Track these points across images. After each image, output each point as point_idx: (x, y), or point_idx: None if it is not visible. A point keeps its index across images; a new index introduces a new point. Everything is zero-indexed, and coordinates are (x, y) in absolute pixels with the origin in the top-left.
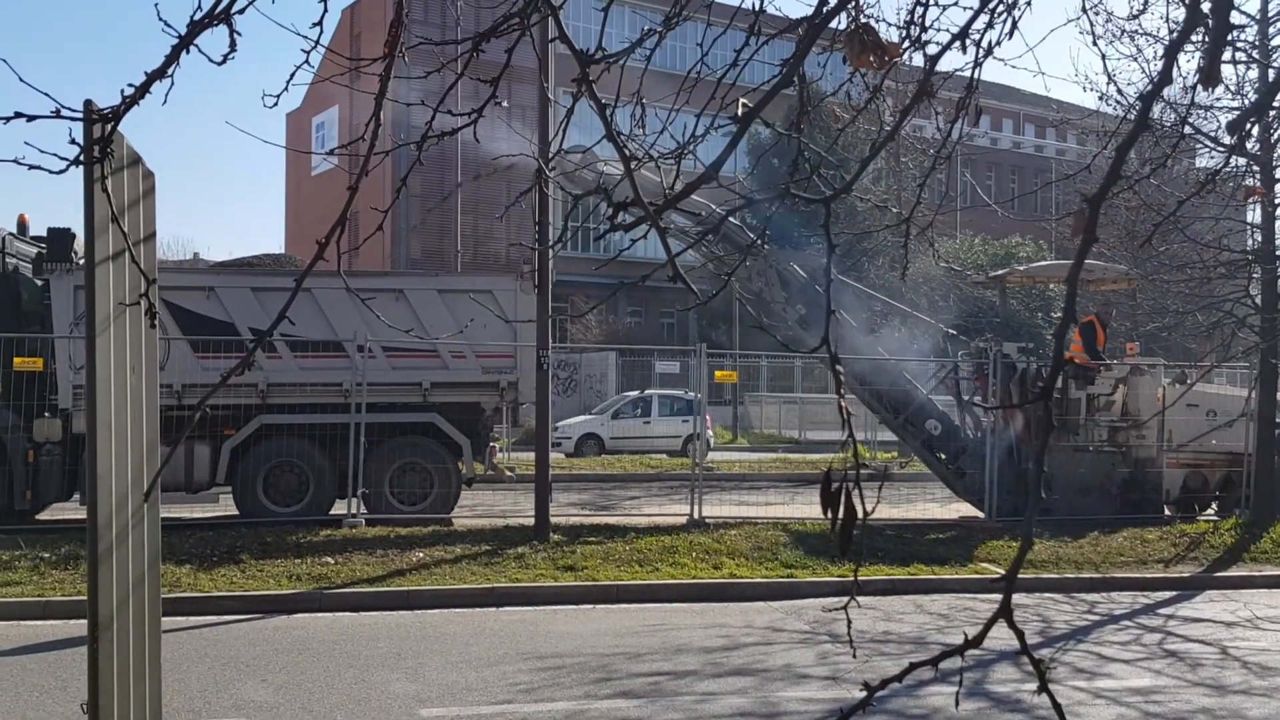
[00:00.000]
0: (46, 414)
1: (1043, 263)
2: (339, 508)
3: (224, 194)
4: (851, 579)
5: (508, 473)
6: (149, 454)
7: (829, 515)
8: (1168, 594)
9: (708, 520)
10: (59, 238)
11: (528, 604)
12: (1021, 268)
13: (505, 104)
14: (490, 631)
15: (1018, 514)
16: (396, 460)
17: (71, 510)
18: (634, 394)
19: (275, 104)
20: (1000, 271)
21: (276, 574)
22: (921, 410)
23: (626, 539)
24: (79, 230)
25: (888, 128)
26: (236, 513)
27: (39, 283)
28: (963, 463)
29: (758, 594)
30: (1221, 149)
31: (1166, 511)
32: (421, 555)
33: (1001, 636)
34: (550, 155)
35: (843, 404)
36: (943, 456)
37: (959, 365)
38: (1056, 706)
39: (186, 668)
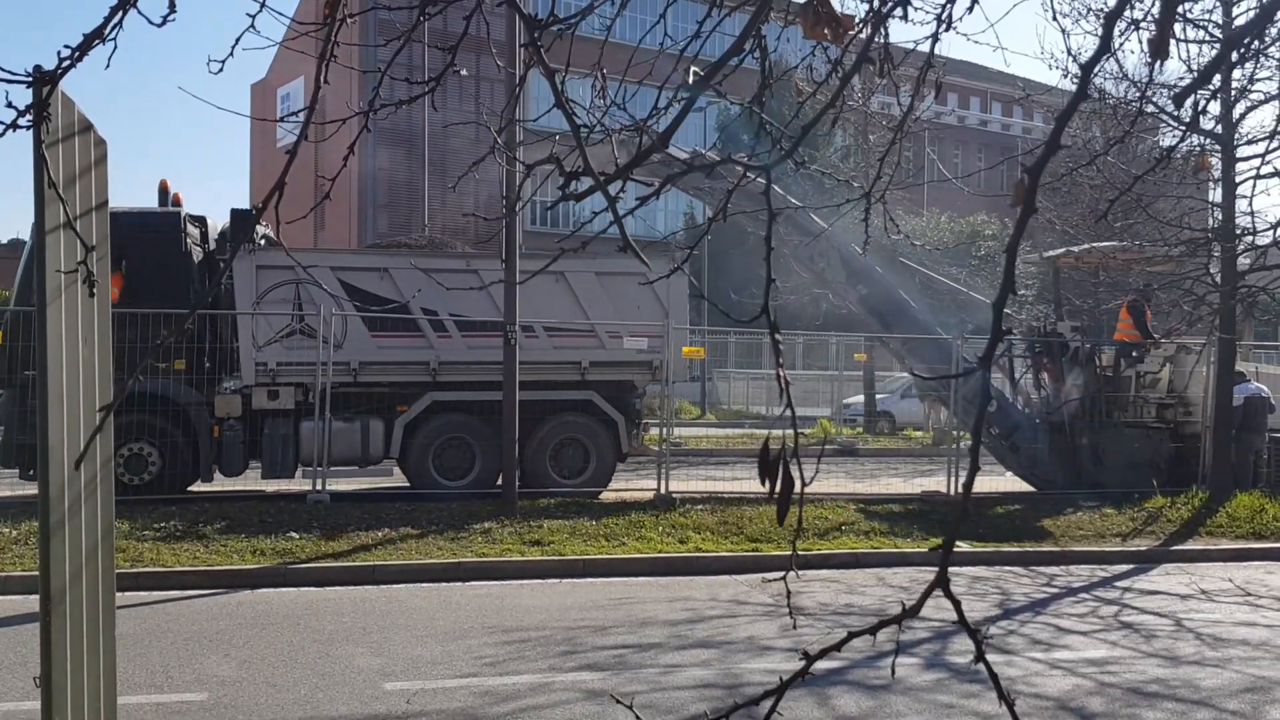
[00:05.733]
0: (227, 388)
1: (1098, 244)
2: (303, 483)
3: (191, 169)
4: (814, 554)
5: (655, 449)
6: (102, 426)
7: (766, 485)
8: (1125, 567)
9: (674, 495)
10: (241, 218)
11: (494, 578)
12: (1075, 249)
13: (465, 72)
14: (456, 605)
15: (1066, 488)
16: (557, 436)
17: (245, 483)
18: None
19: (220, 69)
20: (1054, 252)
21: (240, 549)
22: (976, 387)
23: (593, 514)
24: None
25: (852, 104)
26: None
27: (196, 261)
28: (1016, 438)
29: (723, 567)
30: (1180, 127)
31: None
32: (387, 530)
33: (971, 610)
34: (501, 126)
35: (781, 374)
36: (995, 431)
37: (1012, 344)
38: (993, 676)
39: (148, 642)
